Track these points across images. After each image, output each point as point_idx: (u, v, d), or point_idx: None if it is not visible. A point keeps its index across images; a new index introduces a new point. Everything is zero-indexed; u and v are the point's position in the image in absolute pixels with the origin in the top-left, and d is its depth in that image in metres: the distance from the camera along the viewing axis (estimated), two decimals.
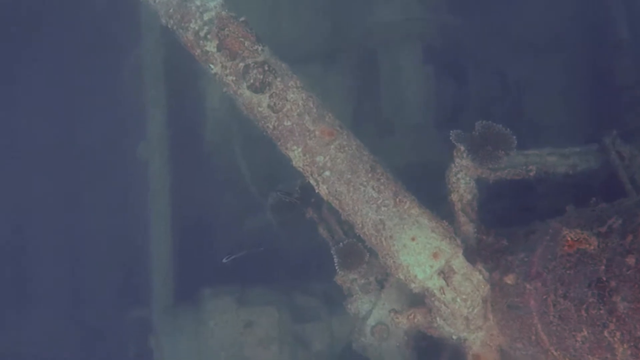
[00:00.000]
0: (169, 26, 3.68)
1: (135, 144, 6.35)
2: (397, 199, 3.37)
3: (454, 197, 3.54)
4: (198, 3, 3.57)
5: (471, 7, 5.82)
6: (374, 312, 3.79)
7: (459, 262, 3.25)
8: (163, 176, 5.87)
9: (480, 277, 3.23)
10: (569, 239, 2.45)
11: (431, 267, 3.23)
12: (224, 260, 4.43)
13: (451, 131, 3.50)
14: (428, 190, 3.81)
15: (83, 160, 6.95)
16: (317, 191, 3.62)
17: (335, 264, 3.93)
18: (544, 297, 2.69)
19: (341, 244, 3.94)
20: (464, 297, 3.18)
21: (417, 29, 5.61)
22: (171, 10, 3.60)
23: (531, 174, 3.56)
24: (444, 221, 3.38)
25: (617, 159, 3.38)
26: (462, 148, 3.48)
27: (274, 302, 4.82)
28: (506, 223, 3.76)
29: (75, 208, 6.76)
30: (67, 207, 6.74)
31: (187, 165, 6.08)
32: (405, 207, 3.35)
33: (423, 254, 3.25)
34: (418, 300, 3.61)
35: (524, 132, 5.72)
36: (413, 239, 3.28)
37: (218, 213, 6.18)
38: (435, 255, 3.24)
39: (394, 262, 3.33)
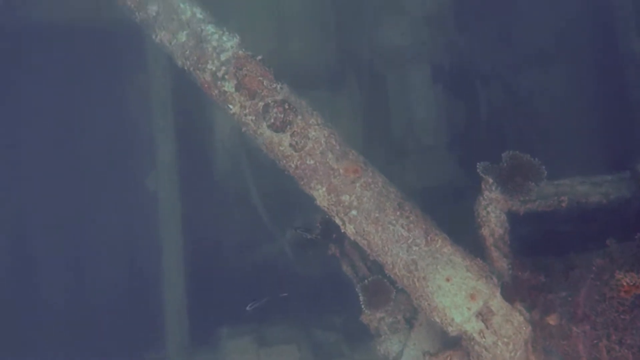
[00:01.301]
0: (185, 68, 3.58)
1: (143, 174, 6.24)
2: (429, 237, 3.27)
3: (485, 231, 3.43)
4: (215, 44, 3.47)
5: (477, 24, 5.76)
6: (405, 354, 3.68)
7: (498, 302, 3.14)
8: (174, 207, 5.76)
9: (521, 318, 3.12)
10: (624, 284, 2.35)
11: (469, 309, 3.12)
12: (248, 309, 4.31)
13: (478, 163, 3.39)
14: (445, 213, 3.72)
15: (88, 195, 6.81)
16: (343, 231, 3.52)
17: (361, 303, 3.81)
18: (595, 342, 2.58)
19: (366, 281, 3.82)
20: (505, 340, 3.07)
21: (424, 50, 5.54)
22: (187, 52, 3.50)
23: (563, 205, 3.47)
24: (478, 259, 3.28)
25: None
26: (491, 180, 3.38)
27: (294, 339, 4.69)
28: (534, 250, 3.67)
29: (82, 244, 6.61)
30: (74, 243, 6.59)
31: (197, 195, 5.96)
32: (438, 246, 3.25)
33: (459, 295, 3.14)
34: (450, 339, 3.51)
35: (538, 146, 5.70)
36: (448, 280, 3.17)
37: (231, 244, 6.05)
38: (472, 297, 3.13)
39: (428, 304, 3.22)
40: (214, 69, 3.47)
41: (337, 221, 3.49)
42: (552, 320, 2.97)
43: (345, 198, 3.37)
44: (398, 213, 3.32)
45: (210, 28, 3.59)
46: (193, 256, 5.81)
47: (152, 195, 5.98)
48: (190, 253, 5.76)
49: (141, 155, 6.19)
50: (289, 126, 3.40)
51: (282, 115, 3.40)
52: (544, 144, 5.67)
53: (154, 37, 3.72)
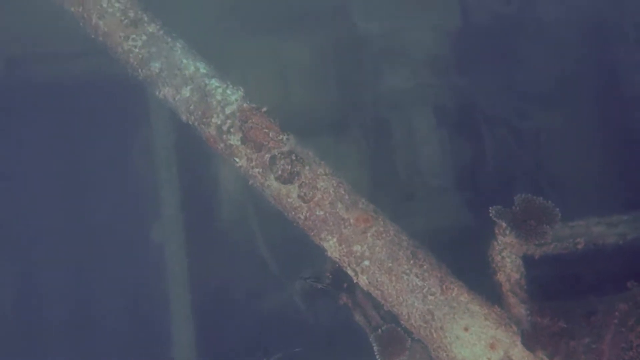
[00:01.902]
0: (190, 122, 3.59)
1: (148, 226, 6.20)
2: (444, 286, 3.19)
3: (501, 277, 3.35)
4: (219, 97, 3.49)
5: (478, 65, 5.80)
6: None
7: (519, 351, 3.05)
8: (180, 259, 5.70)
9: None
10: None
11: (489, 359, 3.02)
12: None
13: (491, 208, 3.34)
14: (457, 257, 3.65)
15: (93, 247, 6.76)
16: (355, 282, 3.45)
17: (376, 353, 3.70)
18: None
19: (380, 330, 3.72)
20: None
21: (427, 92, 5.57)
22: (192, 107, 3.51)
23: (579, 246, 3.40)
24: (496, 306, 3.20)
25: None
26: (504, 225, 3.32)
27: None
28: (551, 293, 3.58)
29: (89, 299, 6.52)
30: (81, 299, 6.51)
31: (204, 246, 5.90)
32: (454, 294, 3.18)
33: (479, 345, 3.05)
34: None
35: (545, 187, 5.65)
36: (466, 329, 3.08)
37: (238, 294, 5.96)
38: (492, 346, 3.04)
39: (447, 355, 3.12)
40: (219, 122, 3.47)
41: (350, 272, 3.43)
42: None
43: (357, 248, 3.32)
44: (412, 262, 3.26)
45: (214, 82, 3.61)
46: (201, 308, 5.72)
47: (158, 247, 5.93)
48: (198, 304, 5.67)
49: (146, 208, 6.17)
50: (296, 177, 3.37)
51: (289, 167, 3.38)
52: (552, 186, 5.63)
53: (157, 93, 3.75)
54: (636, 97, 5.32)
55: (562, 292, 3.58)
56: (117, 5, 3.76)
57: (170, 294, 5.70)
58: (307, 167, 3.42)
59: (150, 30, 3.74)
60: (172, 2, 5.36)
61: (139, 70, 3.75)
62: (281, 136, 3.45)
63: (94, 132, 6.29)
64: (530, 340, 3.14)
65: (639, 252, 3.40)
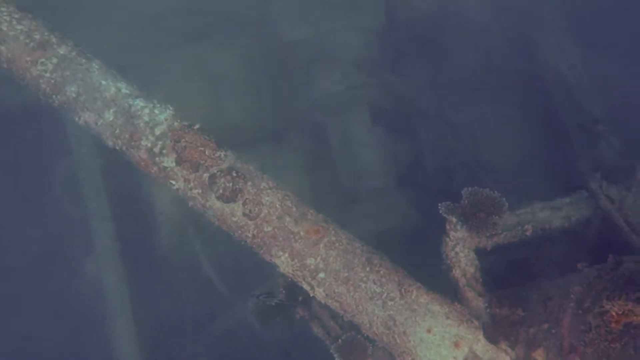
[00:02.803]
0: (117, 147, 3.35)
1: (81, 261, 5.82)
2: (403, 290, 3.12)
3: (457, 272, 3.33)
4: (146, 119, 3.27)
5: (408, 62, 5.82)
6: None
7: (482, 345, 3.02)
8: (121, 291, 5.38)
9: (507, 358, 3.01)
10: (614, 314, 2.27)
11: (455, 358, 2.98)
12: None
13: (440, 204, 3.31)
14: (409, 257, 3.61)
15: (21, 288, 6.28)
16: (312, 295, 3.33)
17: None
18: None
19: (340, 340, 3.62)
20: None
21: (360, 94, 5.53)
22: (117, 131, 3.28)
23: (527, 233, 3.43)
24: (456, 303, 3.16)
25: (608, 203, 3.30)
26: (454, 220, 3.30)
27: None
28: (504, 282, 3.60)
29: (25, 339, 6.03)
30: (16, 338, 6.00)
31: (145, 275, 5.59)
32: (413, 297, 3.11)
33: (443, 345, 2.99)
34: None
35: (483, 178, 5.73)
36: (429, 331, 3.02)
37: (188, 319, 5.69)
38: (456, 345, 2.99)
39: (412, 359, 3.05)
40: (149, 145, 3.26)
41: (305, 286, 3.30)
42: (538, 355, 2.87)
43: (310, 261, 3.19)
44: (368, 269, 3.17)
45: (139, 102, 3.39)
46: (149, 340, 5.42)
47: (94, 280, 5.57)
48: (145, 337, 5.37)
49: (76, 242, 5.79)
50: (239, 194, 3.21)
51: (230, 184, 3.21)
52: (490, 176, 5.70)
53: (76, 119, 3.47)
54: (557, 80, 5.48)
55: (515, 279, 3.61)
56: (19, 27, 3.45)
57: (113, 328, 5.37)
58: (249, 183, 3.26)
59: (62, 52, 3.46)
60: (83, 20, 5.04)
61: (53, 96, 3.46)
62: (218, 153, 3.28)
63: (7, 169, 5.84)
64: (491, 333, 3.13)
65: (584, 232, 3.47)
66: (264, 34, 5.35)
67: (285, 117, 5.54)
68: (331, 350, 3.62)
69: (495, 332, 3.16)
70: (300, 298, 3.94)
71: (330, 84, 5.35)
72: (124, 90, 3.43)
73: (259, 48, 5.34)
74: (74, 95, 3.43)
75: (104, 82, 3.43)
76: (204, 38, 5.33)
